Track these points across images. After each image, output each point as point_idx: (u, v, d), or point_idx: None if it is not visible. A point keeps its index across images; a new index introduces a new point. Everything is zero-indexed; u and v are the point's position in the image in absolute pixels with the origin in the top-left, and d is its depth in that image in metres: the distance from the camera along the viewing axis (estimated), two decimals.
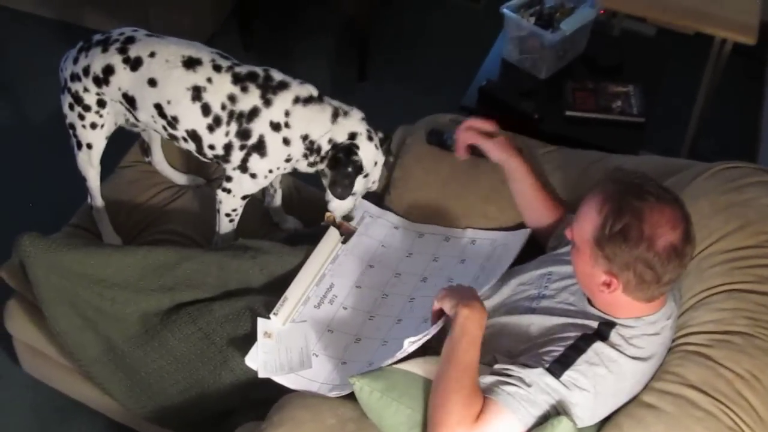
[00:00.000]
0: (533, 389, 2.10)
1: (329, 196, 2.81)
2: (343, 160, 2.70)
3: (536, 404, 2.10)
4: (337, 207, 2.82)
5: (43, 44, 4.84)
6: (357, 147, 2.72)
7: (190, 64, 2.74)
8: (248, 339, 2.57)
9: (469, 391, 2.12)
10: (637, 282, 2.11)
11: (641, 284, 2.11)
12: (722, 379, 2.12)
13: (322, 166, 2.77)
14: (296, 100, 2.72)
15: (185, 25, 4.61)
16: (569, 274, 2.36)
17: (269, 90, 2.72)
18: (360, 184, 2.77)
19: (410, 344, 2.26)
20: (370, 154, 2.75)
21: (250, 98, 2.72)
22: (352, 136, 2.72)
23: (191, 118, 2.75)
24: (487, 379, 2.17)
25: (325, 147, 2.73)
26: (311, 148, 2.74)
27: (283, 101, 2.72)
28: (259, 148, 2.73)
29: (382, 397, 2.18)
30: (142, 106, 2.79)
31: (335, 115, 2.74)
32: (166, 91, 2.74)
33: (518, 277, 2.50)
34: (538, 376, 2.12)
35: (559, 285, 2.38)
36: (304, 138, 2.72)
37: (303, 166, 2.82)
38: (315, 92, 2.76)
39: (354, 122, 2.75)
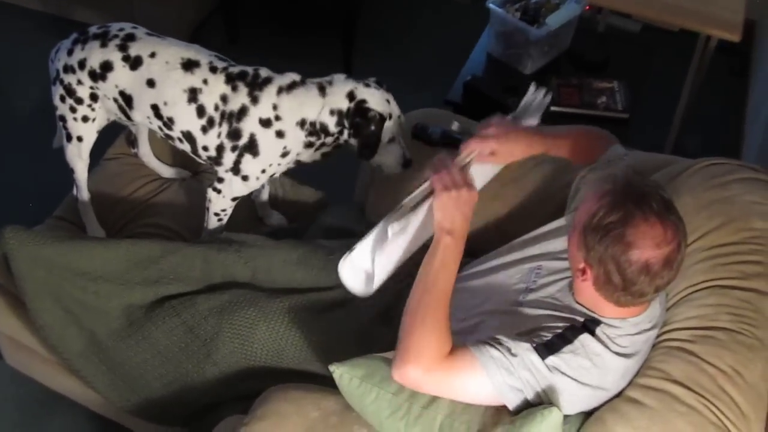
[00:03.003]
0: (516, 360, 2.12)
1: (375, 159, 2.78)
2: (361, 123, 2.67)
3: (515, 376, 2.12)
4: (387, 163, 2.80)
5: (28, 36, 4.82)
6: (364, 101, 2.68)
7: (189, 66, 2.73)
8: (232, 332, 2.57)
9: (443, 325, 2.17)
10: (604, 280, 2.11)
11: (608, 284, 2.11)
12: (705, 374, 2.13)
13: (344, 139, 2.73)
14: (280, 91, 2.71)
15: (169, 18, 4.60)
16: (558, 269, 2.38)
17: (256, 87, 2.71)
18: (391, 129, 2.73)
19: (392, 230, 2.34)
20: (377, 98, 2.70)
21: (239, 97, 2.71)
22: (350, 94, 2.69)
23: (186, 119, 2.75)
24: (479, 338, 2.20)
25: (330, 121, 2.69)
26: (314, 130, 2.71)
27: (268, 96, 2.70)
28: (251, 147, 2.73)
29: (362, 384, 2.19)
30: (138, 105, 2.78)
31: (322, 89, 2.71)
32: (163, 93, 2.74)
33: (507, 270, 2.51)
34: (524, 350, 2.14)
35: (546, 280, 2.39)
36: (302, 123, 2.70)
37: (308, 156, 2.81)
38: (297, 77, 2.74)
39: (342, 84, 2.72)
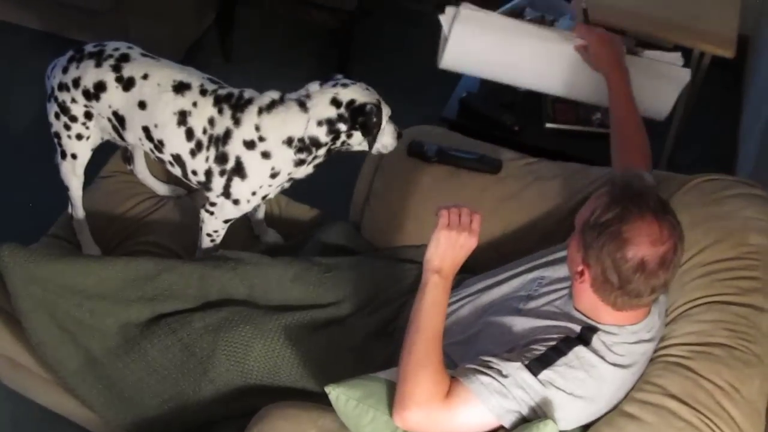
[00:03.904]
0: (508, 381, 2.12)
1: (375, 146, 2.76)
2: (366, 121, 2.65)
3: (509, 398, 2.12)
4: (386, 143, 2.78)
5: (23, 53, 4.81)
6: (354, 101, 2.66)
7: (180, 88, 2.73)
8: (229, 350, 2.57)
9: (437, 366, 2.15)
10: (602, 280, 2.13)
11: (605, 284, 2.13)
12: (703, 390, 2.13)
13: (341, 142, 2.71)
14: (260, 111, 2.69)
15: (165, 37, 4.59)
16: (560, 278, 2.40)
17: (238, 109, 2.70)
18: (384, 112, 2.72)
19: None
20: (360, 92, 2.68)
21: (224, 120, 2.70)
22: (335, 101, 2.67)
23: (176, 142, 2.74)
24: (468, 364, 2.19)
25: (320, 132, 2.66)
26: (304, 146, 2.69)
27: (249, 117, 2.69)
28: (239, 170, 2.72)
29: (358, 405, 2.18)
30: (130, 127, 2.78)
31: (302, 105, 2.68)
32: (154, 115, 2.73)
33: (510, 281, 2.53)
34: (515, 370, 2.14)
35: (548, 289, 2.40)
36: (289, 142, 2.68)
37: (302, 172, 2.80)
38: (276, 95, 2.73)
39: (320, 94, 2.69)
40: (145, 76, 2.74)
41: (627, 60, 2.75)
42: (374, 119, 2.66)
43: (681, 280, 2.36)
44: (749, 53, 4.88)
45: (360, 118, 2.65)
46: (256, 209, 3.08)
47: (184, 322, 2.63)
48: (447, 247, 2.22)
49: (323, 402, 2.29)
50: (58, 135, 2.89)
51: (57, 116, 2.85)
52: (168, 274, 2.67)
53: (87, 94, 2.77)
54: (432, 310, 2.20)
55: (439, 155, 3.01)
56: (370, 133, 2.68)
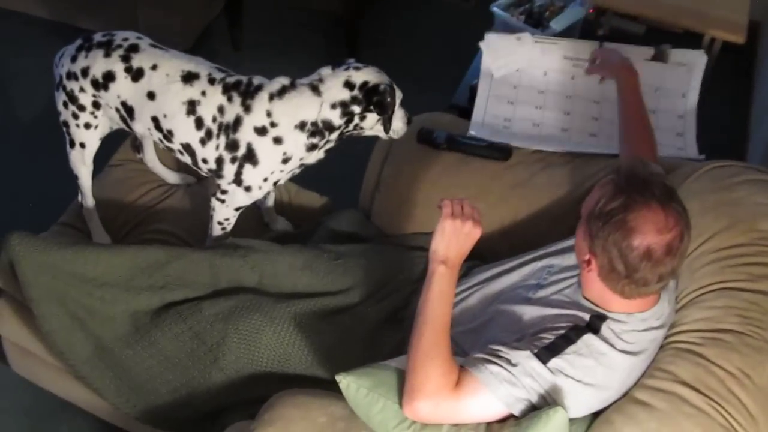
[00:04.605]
0: (517, 370, 2.12)
1: (390, 133, 2.79)
2: (381, 100, 2.68)
3: (519, 386, 2.11)
4: (397, 127, 2.80)
5: (33, 43, 4.82)
6: (367, 82, 2.68)
7: (188, 78, 2.73)
8: (239, 337, 2.57)
9: (446, 357, 2.15)
10: (608, 269, 2.12)
11: (612, 273, 2.13)
12: (714, 376, 2.13)
13: (354, 124, 2.73)
14: (271, 97, 2.70)
15: (174, 26, 4.59)
16: (569, 266, 2.40)
17: (248, 96, 2.71)
18: (397, 97, 2.75)
19: None
20: (373, 74, 2.71)
21: (234, 107, 2.71)
22: (348, 83, 2.68)
23: (185, 131, 2.75)
24: (477, 354, 2.19)
25: (334, 115, 2.68)
26: (317, 129, 2.70)
27: (260, 103, 2.69)
28: (250, 157, 2.72)
29: (369, 394, 2.18)
30: (139, 117, 2.79)
31: (314, 89, 2.69)
32: (163, 105, 2.74)
33: (521, 269, 2.52)
34: (524, 358, 2.13)
35: (557, 277, 2.40)
36: (302, 126, 2.69)
37: (313, 157, 2.81)
38: (286, 81, 2.73)
39: (333, 77, 2.71)
40: (153, 67, 2.74)
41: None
42: (388, 98, 2.67)
43: (691, 267, 2.36)
44: (760, 39, 4.87)
45: (375, 97, 2.67)
46: (265, 197, 3.08)
47: (194, 310, 2.63)
48: (452, 237, 2.22)
49: (333, 389, 2.28)
50: (66, 124, 2.89)
51: (65, 105, 2.85)
52: (178, 262, 2.68)
53: (95, 84, 2.77)
54: (439, 301, 2.20)
55: (448, 142, 3.01)
56: (386, 111, 2.69)
